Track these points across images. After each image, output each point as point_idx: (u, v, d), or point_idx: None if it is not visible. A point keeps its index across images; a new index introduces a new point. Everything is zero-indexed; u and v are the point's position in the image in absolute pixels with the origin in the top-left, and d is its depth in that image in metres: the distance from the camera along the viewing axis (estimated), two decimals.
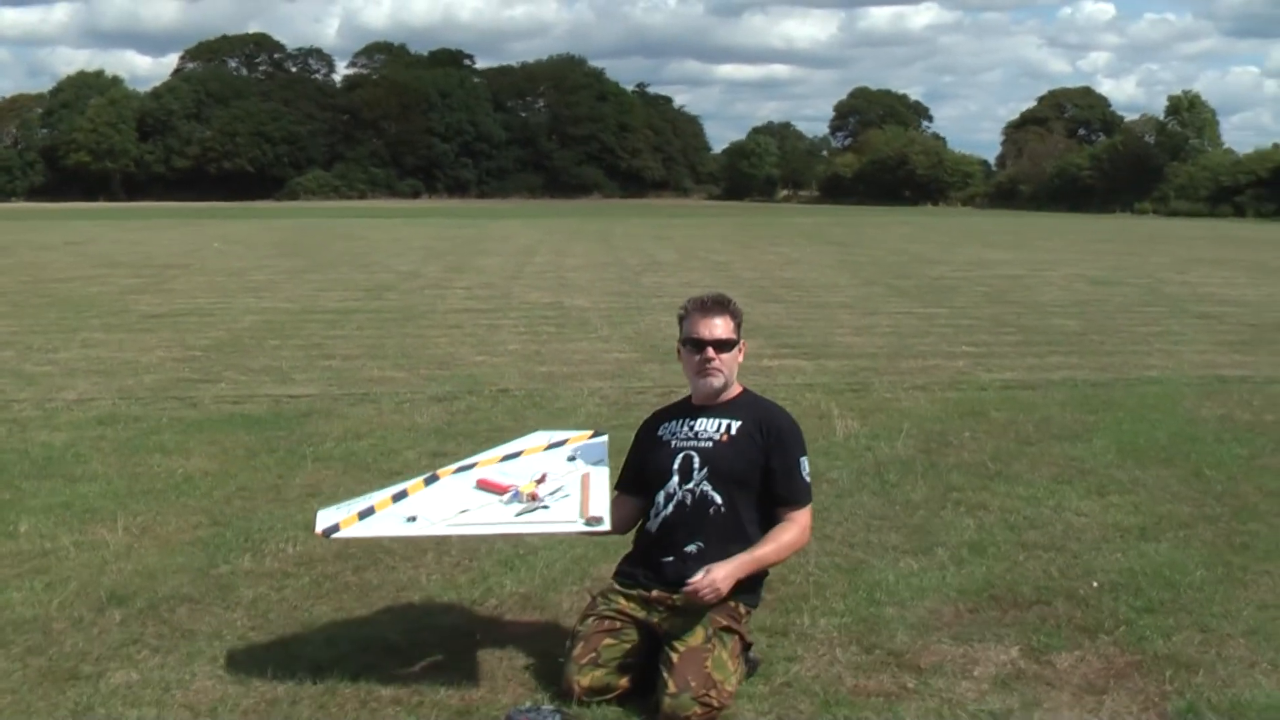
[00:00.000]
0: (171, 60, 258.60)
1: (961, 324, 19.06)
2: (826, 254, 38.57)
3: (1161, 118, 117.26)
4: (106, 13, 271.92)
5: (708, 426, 5.53)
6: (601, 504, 5.37)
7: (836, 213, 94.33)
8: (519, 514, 5.34)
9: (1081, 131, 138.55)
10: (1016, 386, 13.12)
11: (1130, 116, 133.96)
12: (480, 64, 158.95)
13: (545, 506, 5.37)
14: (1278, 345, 16.76)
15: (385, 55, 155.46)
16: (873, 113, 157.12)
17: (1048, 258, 36.87)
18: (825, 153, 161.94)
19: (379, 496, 5.62)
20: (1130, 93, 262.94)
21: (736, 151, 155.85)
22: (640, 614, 5.32)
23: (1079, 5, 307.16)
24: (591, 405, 11.98)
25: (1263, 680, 5.35)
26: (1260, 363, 15.00)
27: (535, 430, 6.50)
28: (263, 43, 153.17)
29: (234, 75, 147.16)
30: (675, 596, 5.24)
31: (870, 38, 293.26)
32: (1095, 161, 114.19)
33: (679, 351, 5.70)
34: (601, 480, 5.57)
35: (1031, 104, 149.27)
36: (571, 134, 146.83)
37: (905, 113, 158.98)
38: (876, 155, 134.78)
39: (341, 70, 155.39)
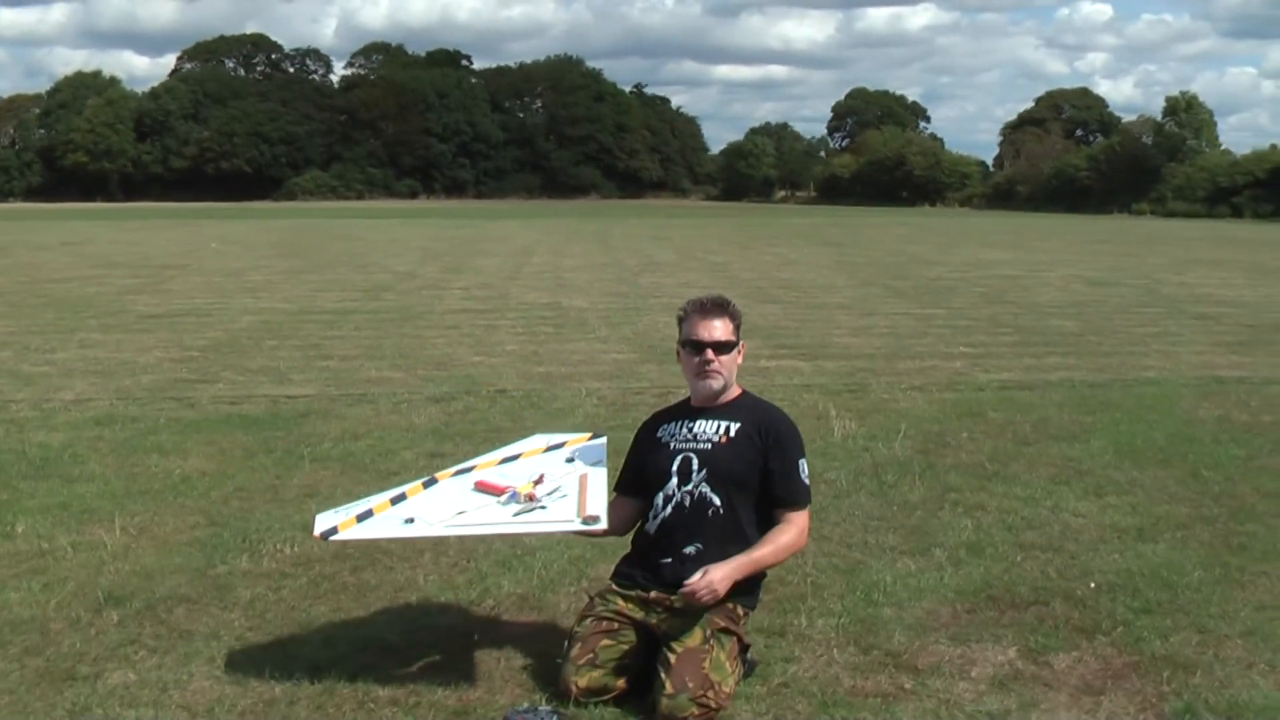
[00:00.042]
0: (169, 60, 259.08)
1: (959, 325, 19.06)
2: (824, 255, 38.58)
3: (1159, 118, 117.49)
4: (104, 13, 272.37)
5: (707, 428, 5.53)
6: (598, 503, 5.37)
7: (834, 213, 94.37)
8: (516, 514, 5.34)
9: (1079, 132, 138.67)
10: (1014, 387, 13.12)
11: (1128, 117, 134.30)
12: (478, 64, 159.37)
13: (543, 507, 5.37)
14: (1275, 346, 16.76)
15: (383, 56, 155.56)
16: (870, 113, 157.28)
17: (1045, 258, 36.89)
18: (823, 153, 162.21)
19: (377, 500, 5.62)
20: (1128, 93, 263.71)
21: (734, 152, 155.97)
22: (638, 615, 5.32)
23: (1076, 6, 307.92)
24: (589, 406, 11.98)
25: (1260, 681, 5.35)
26: (1258, 363, 15.01)
27: (534, 432, 6.51)
28: (260, 43, 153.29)
29: (231, 76, 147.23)
30: (673, 598, 5.24)
31: (868, 38, 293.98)
32: (1093, 162, 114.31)
33: (678, 353, 5.70)
34: (599, 480, 5.56)
35: (1029, 105, 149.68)
36: (569, 134, 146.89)
37: (903, 113, 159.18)
38: (874, 156, 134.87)
39: (339, 71, 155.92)
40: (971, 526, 7.71)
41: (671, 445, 5.55)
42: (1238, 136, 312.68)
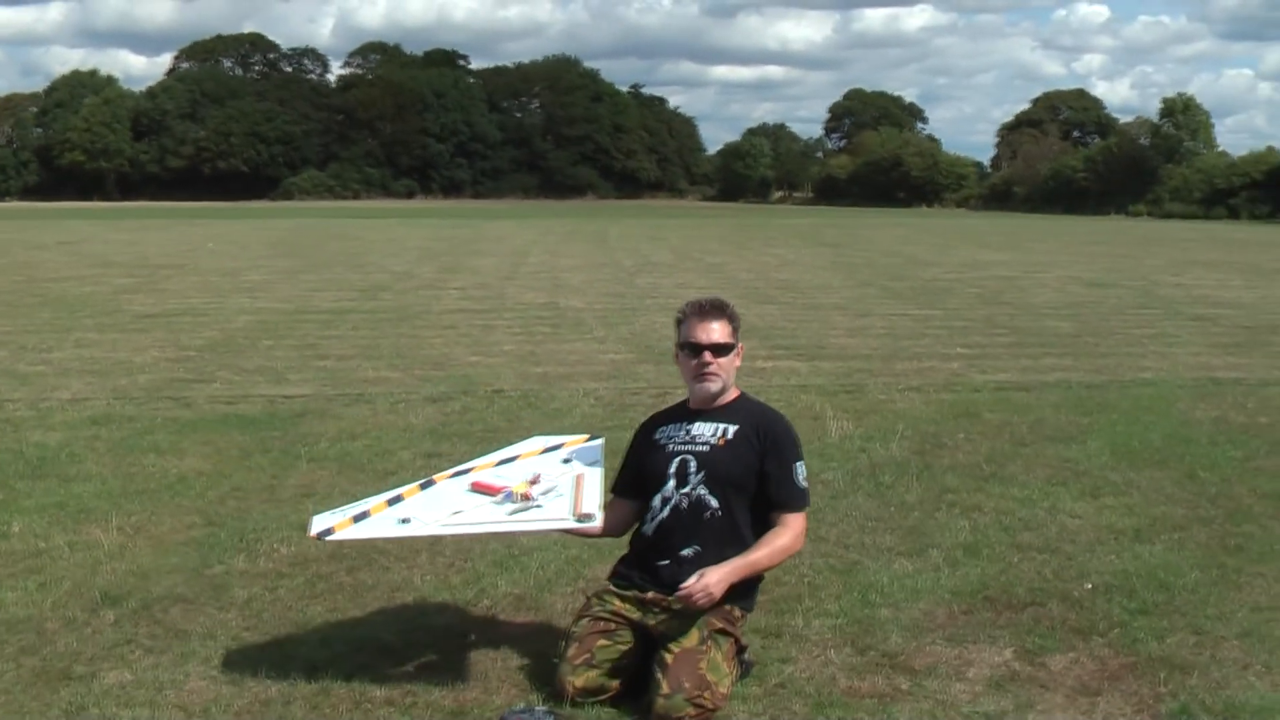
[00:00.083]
0: (166, 60, 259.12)
1: (956, 325, 19.06)
2: (821, 255, 38.59)
3: (1156, 120, 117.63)
4: (101, 12, 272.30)
5: (705, 430, 5.52)
6: (593, 501, 5.39)
7: (831, 214, 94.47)
8: (511, 513, 5.35)
9: (1076, 134, 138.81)
10: (1011, 388, 13.13)
11: (1124, 119, 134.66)
12: (475, 64, 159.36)
13: (538, 506, 5.38)
14: (1272, 347, 16.77)
15: (380, 55, 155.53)
16: (867, 114, 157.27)
17: (1042, 260, 36.91)
18: (820, 154, 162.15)
19: (374, 501, 5.62)
20: (1124, 95, 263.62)
21: (731, 153, 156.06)
22: (635, 615, 5.32)
23: (1073, 7, 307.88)
24: (586, 406, 11.97)
25: (1256, 682, 5.35)
26: (1254, 365, 15.01)
27: (531, 432, 6.52)
28: (257, 42, 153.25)
29: (228, 75, 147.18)
30: (671, 599, 5.23)
31: (865, 39, 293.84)
32: (1089, 164, 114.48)
33: (676, 355, 5.69)
34: (595, 479, 5.57)
35: (1026, 106, 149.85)
36: (566, 135, 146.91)
37: (900, 114, 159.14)
38: (871, 157, 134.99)
39: (336, 70, 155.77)
40: (968, 527, 7.72)
41: (669, 447, 5.54)
42: (1235, 138, 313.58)
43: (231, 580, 6.68)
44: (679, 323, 5.61)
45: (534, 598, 6.44)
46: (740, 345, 5.62)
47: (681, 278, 28.57)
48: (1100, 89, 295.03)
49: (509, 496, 5.41)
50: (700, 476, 5.43)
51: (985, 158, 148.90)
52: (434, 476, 5.87)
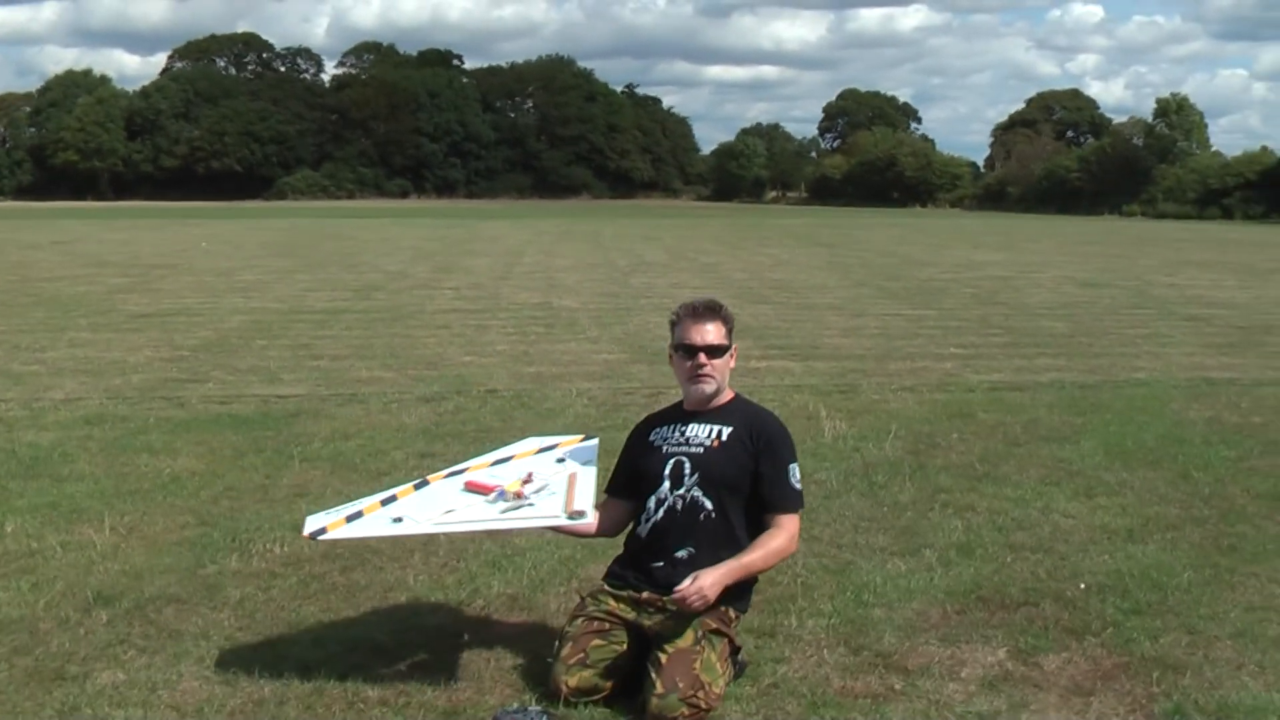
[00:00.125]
0: (160, 59, 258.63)
1: (950, 325, 19.08)
2: (815, 255, 38.61)
3: (1150, 120, 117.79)
4: (95, 12, 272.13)
5: (699, 432, 5.52)
6: (586, 499, 5.40)
7: (825, 214, 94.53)
8: (504, 511, 5.35)
9: (1070, 134, 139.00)
10: (1004, 388, 13.13)
11: (1118, 119, 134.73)
12: (469, 64, 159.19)
13: (530, 504, 5.38)
14: (1266, 347, 16.79)
15: (374, 55, 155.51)
16: (861, 114, 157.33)
17: (1036, 260, 36.95)
18: (814, 154, 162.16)
19: (368, 501, 5.63)
20: (1119, 95, 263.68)
21: (725, 152, 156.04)
22: (630, 615, 5.32)
23: (1068, 7, 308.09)
24: (580, 406, 11.97)
25: (1250, 682, 5.35)
26: (1248, 365, 15.03)
27: (524, 432, 6.53)
28: (251, 42, 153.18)
29: (222, 75, 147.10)
30: (666, 598, 5.23)
31: (859, 39, 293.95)
32: (1083, 164, 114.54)
33: (670, 357, 5.69)
34: (588, 478, 5.58)
35: (1020, 106, 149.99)
36: (560, 134, 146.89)
37: (894, 114, 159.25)
38: (865, 157, 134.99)
39: (330, 70, 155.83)
40: (962, 527, 7.72)
41: (664, 449, 5.54)
42: (1228, 138, 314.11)
43: (225, 580, 6.68)
44: (673, 324, 5.60)
45: (528, 598, 6.44)
46: (735, 347, 5.62)
47: (676, 278, 28.59)
48: (1094, 89, 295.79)
49: (501, 495, 5.42)
50: (695, 478, 5.43)
51: (979, 158, 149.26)
52: (428, 476, 5.87)
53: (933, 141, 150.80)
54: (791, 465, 5.50)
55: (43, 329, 17.95)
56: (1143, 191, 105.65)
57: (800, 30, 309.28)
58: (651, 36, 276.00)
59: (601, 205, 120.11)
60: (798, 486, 5.52)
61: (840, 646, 5.72)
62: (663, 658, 5.06)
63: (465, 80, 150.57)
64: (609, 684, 5.15)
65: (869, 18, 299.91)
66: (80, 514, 7.94)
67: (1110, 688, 5.30)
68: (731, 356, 5.60)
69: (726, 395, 5.62)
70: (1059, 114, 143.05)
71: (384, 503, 5.55)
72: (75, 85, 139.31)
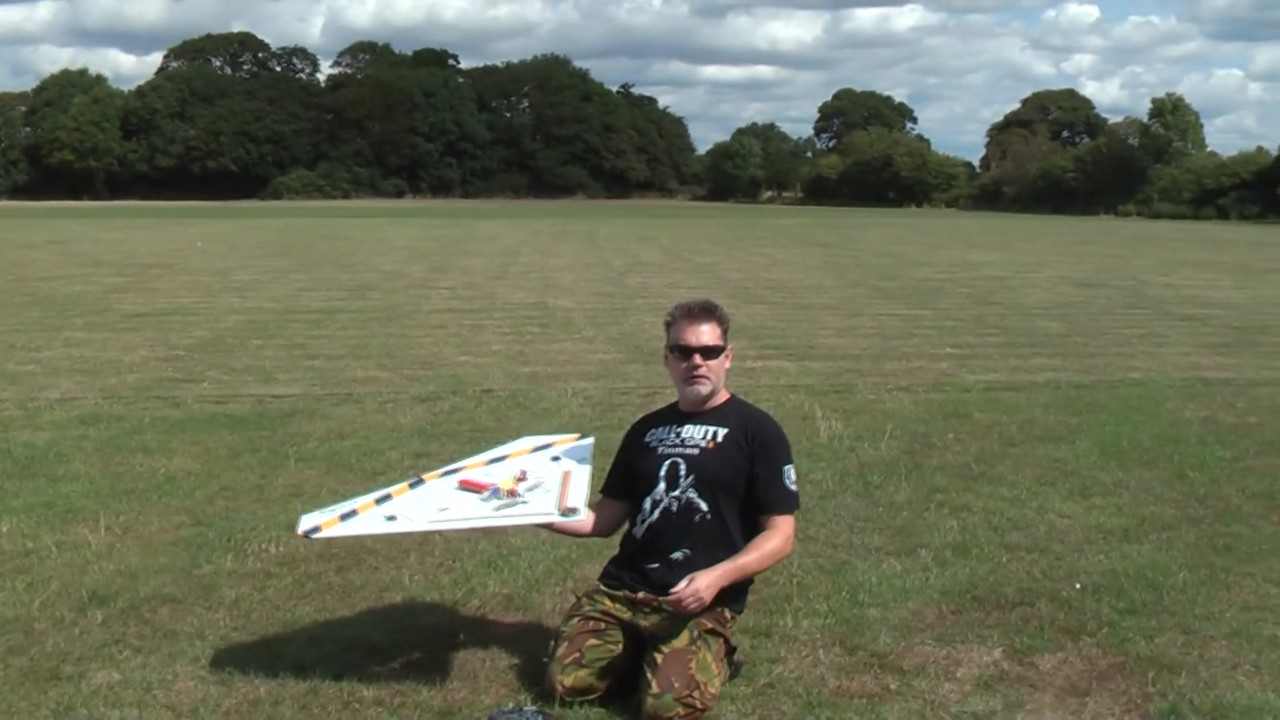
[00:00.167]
0: (156, 59, 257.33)
1: (945, 325, 19.09)
2: (811, 255, 38.62)
3: (1145, 120, 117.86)
4: (91, 11, 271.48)
5: (694, 433, 5.52)
6: (579, 496, 5.41)
7: (821, 214, 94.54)
8: (497, 509, 5.36)
9: (1065, 134, 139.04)
10: (1000, 388, 13.14)
11: (1114, 119, 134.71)
12: (465, 64, 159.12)
13: (524, 501, 5.39)
14: (1261, 347, 16.81)
15: (369, 55, 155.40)
16: (857, 114, 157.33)
17: (1031, 260, 36.97)
18: (809, 154, 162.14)
19: (363, 500, 5.62)
20: (1114, 95, 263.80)
21: (721, 153, 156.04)
22: (626, 615, 5.31)
23: (1063, 8, 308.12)
24: (575, 406, 11.97)
25: (1245, 682, 5.35)
26: (1243, 365, 15.04)
27: (520, 432, 6.52)
28: (247, 42, 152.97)
29: (218, 74, 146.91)
30: (661, 598, 5.23)
31: (855, 39, 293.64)
32: (1079, 164, 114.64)
33: (666, 358, 5.68)
34: (582, 477, 5.60)
35: (1015, 106, 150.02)
36: (556, 134, 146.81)
37: (889, 114, 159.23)
38: (861, 157, 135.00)
39: (326, 70, 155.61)
40: (957, 527, 7.72)
41: (659, 450, 5.54)
42: (1224, 138, 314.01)
43: (220, 580, 6.67)
44: (668, 325, 5.60)
45: (523, 597, 6.44)
46: (730, 347, 5.61)
47: (671, 278, 28.60)
48: (1090, 89, 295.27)
49: (495, 493, 5.42)
50: (690, 480, 5.42)
51: (975, 158, 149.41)
52: (423, 475, 5.87)
53: (928, 141, 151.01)
54: (787, 467, 5.50)
55: (38, 328, 17.93)
56: (1138, 191, 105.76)
57: (796, 30, 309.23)
58: (647, 36, 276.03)
59: (597, 205, 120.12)
60: (793, 488, 5.51)
61: (836, 646, 5.72)
62: (658, 658, 5.06)
63: (460, 80, 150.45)
64: (604, 684, 5.15)
65: (864, 18, 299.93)
66: (75, 514, 7.94)
67: (1106, 687, 5.31)
68: (727, 357, 5.59)
69: (722, 396, 5.62)
70: (1054, 114, 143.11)
71: (379, 501, 5.54)
72: (71, 85, 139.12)
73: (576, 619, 5.34)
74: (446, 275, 28.78)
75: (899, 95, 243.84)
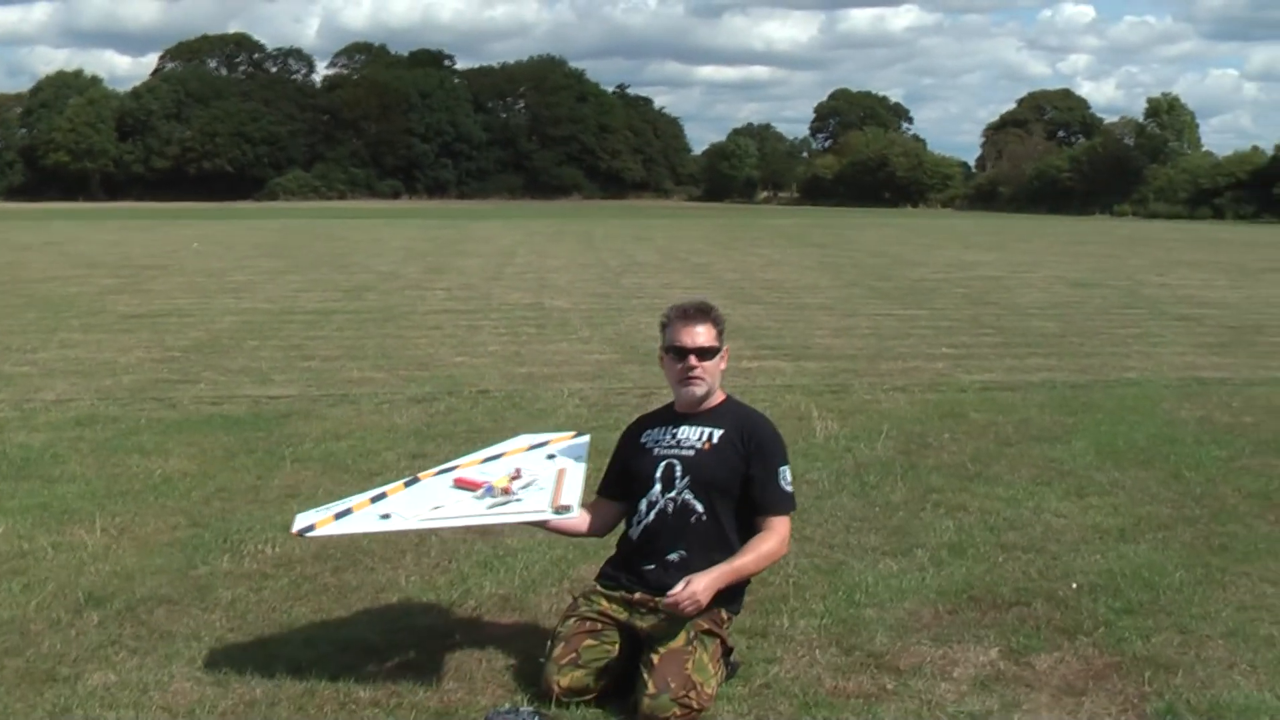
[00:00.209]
0: (151, 60, 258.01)
1: (941, 326, 19.09)
2: (807, 255, 38.62)
3: (1141, 120, 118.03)
4: (86, 12, 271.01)
5: (690, 435, 5.51)
6: (573, 494, 5.41)
7: (816, 214, 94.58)
8: (490, 507, 5.36)
9: (1061, 134, 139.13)
10: (996, 388, 13.15)
11: (1110, 119, 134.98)
12: (460, 64, 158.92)
13: (518, 499, 5.39)
14: (1256, 347, 16.82)
15: (365, 55, 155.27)
16: (853, 114, 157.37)
17: (1027, 260, 36.99)
18: (805, 154, 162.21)
19: (358, 499, 5.63)
20: (1110, 95, 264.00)
21: (717, 153, 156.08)
22: (622, 616, 5.31)
23: (1059, 8, 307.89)
24: (571, 406, 11.97)
25: (1241, 681, 5.36)
26: (1239, 364, 15.05)
27: (516, 432, 6.51)
28: (243, 43, 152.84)
29: (214, 75, 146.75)
30: (658, 599, 5.23)
31: (850, 39, 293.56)
32: (1075, 164, 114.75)
33: (661, 359, 5.68)
34: (577, 475, 5.59)
35: (1011, 106, 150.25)
36: (551, 135, 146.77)
37: (885, 114, 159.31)
38: (857, 157, 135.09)
39: (321, 70, 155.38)
40: (953, 527, 7.72)
41: (655, 451, 5.54)
42: (1220, 138, 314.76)
43: (216, 581, 6.67)
44: (663, 326, 5.59)
45: (519, 598, 6.44)
46: (725, 348, 5.60)
47: (667, 278, 28.59)
48: (1085, 89, 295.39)
49: (489, 491, 5.43)
50: (686, 481, 5.42)
51: (971, 158, 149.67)
52: (419, 474, 5.87)
53: (924, 141, 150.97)
54: (782, 468, 5.49)
55: (34, 330, 17.92)
56: (1134, 191, 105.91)
57: (791, 30, 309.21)
58: (643, 37, 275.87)
59: (593, 206, 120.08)
60: (789, 489, 5.51)
61: (832, 646, 5.72)
62: (655, 658, 5.05)
63: (457, 81, 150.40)
64: (601, 684, 5.15)
65: (860, 18, 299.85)
66: (71, 515, 7.93)
67: (1102, 687, 5.31)
68: (722, 358, 5.58)
69: (718, 397, 5.62)
70: (1050, 114, 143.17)
71: (374, 500, 5.55)
72: (66, 86, 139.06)
73: (573, 619, 5.34)
74: (442, 276, 28.77)
75: (895, 95, 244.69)
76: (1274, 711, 5.08)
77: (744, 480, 5.42)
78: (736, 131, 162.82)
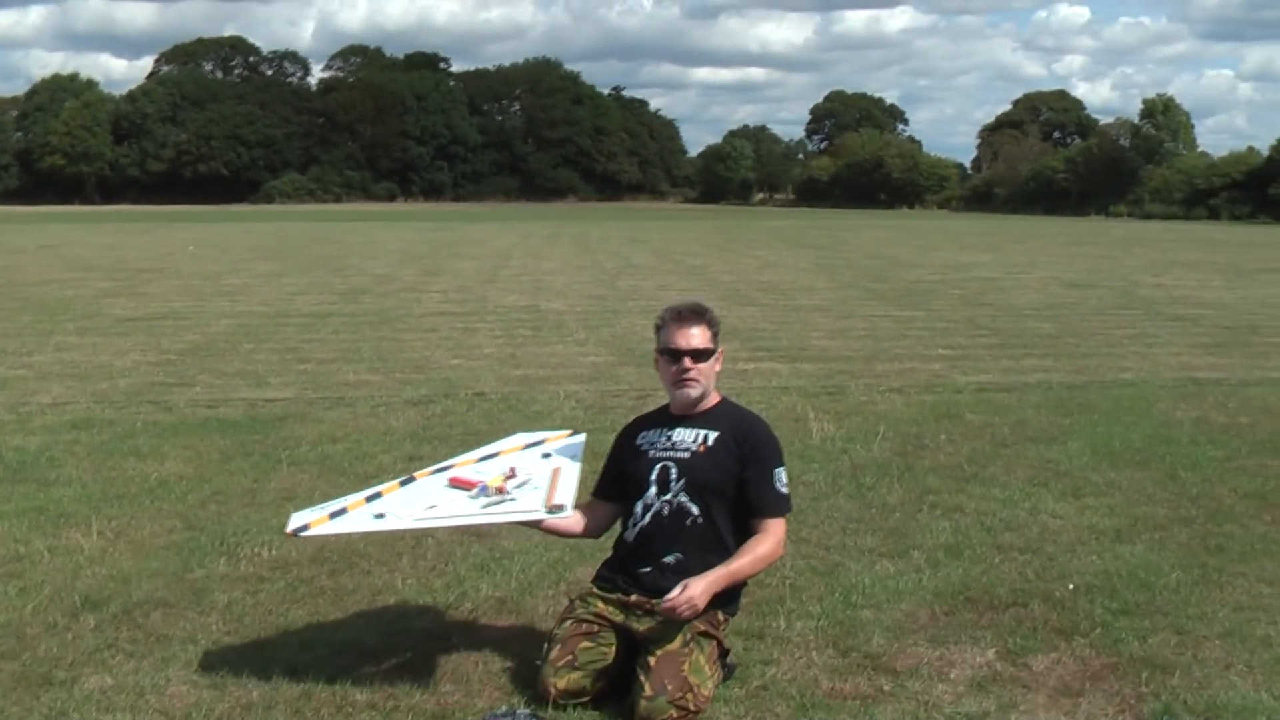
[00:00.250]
0: (146, 63, 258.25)
1: (937, 327, 19.09)
2: (802, 257, 38.63)
3: (1136, 121, 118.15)
4: (81, 15, 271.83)
5: (685, 437, 5.51)
6: (567, 494, 5.40)
7: (812, 216, 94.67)
8: (484, 506, 5.36)
9: (1056, 134, 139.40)
10: (992, 389, 13.14)
11: (1105, 120, 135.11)
12: (456, 67, 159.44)
13: (512, 499, 5.39)
14: (1252, 347, 16.83)
15: (361, 58, 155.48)
16: (849, 116, 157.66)
17: (1023, 261, 37.01)
18: (801, 156, 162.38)
19: (353, 498, 5.62)
20: (1105, 96, 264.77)
21: (712, 154, 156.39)
22: (618, 618, 5.31)
23: (1054, 8, 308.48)
24: (567, 409, 11.96)
25: (1238, 681, 5.35)
26: (1235, 365, 15.06)
27: (512, 434, 6.50)
28: (238, 46, 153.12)
29: (209, 78, 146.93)
30: (654, 601, 5.22)
31: (846, 41, 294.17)
32: (1070, 164, 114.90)
33: (656, 361, 5.67)
34: (572, 474, 5.59)
35: (1007, 107, 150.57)
36: (547, 137, 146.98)
37: (881, 116, 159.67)
38: (852, 158, 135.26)
39: (317, 73, 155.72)
40: (950, 528, 7.72)
41: (650, 453, 5.53)
42: (1215, 139, 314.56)
43: (212, 584, 6.66)
44: (658, 328, 5.58)
45: (516, 600, 6.43)
46: (720, 350, 5.59)
47: (663, 280, 28.60)
48: (1081, 90, 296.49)
49: (484, 490, 5.42)
50: (681, 483, 5.41)
51: (966, 159, 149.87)
52: (414, 474, 5.86)
53: (920, 143, 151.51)
54: (778, 470, 5.49)
55: (29, 333, 17.90)
56: (1129, 192, 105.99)
57: (787, 32, 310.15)
58: (638, 39, 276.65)
59: (588, 208, 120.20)
60: (784, 491, 5.50)
61: (829, 648, 5.71)
62: (651, 660, 5.05)
63: (452, 83, 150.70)
64: (597, 686, 5.14)
65: (855, 19, 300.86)
66: (67, 518, 7.92)
67: (1099, 688, 5.31)
68: (717, 360, 5.58)
69: (713, 399, 5.61)
70: (1046, 115, 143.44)
71: (369, 499, 5.55)
72: (62, 89, 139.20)
73: (569, 621, 5.34)
74: (438, 279, 28.76)
75: (890, 97, 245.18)
76: (1271, 711, 5.08)
77: (739, 482, 5.41)
78: (732, 133, 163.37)
